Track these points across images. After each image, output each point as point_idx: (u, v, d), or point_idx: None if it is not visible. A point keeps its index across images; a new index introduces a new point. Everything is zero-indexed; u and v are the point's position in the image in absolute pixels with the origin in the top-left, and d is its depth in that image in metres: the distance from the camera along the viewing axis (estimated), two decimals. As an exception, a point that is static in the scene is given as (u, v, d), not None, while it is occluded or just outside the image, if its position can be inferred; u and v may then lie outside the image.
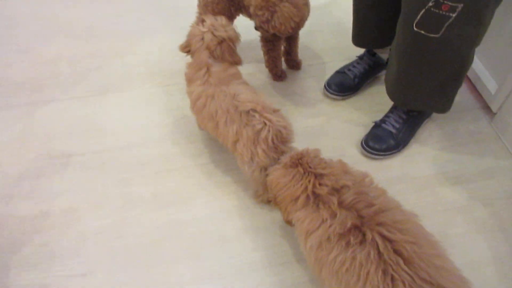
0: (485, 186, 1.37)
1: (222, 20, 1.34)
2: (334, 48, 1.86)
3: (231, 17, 1.62)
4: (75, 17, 2.06)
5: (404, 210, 0.95)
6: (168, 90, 1.72)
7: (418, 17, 1.10)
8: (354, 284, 0.85)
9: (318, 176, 1.01)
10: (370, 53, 1.65)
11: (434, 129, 1.54)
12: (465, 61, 1.23)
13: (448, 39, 1.12)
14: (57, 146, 1.53)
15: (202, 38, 1.30)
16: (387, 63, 1.65)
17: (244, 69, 1.75)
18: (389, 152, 1.45)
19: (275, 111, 1.20)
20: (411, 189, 1.38)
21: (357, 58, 1.68)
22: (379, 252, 0.84)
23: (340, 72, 1.67)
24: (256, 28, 1.47)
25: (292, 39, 1.67)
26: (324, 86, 1.67)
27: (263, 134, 1.14)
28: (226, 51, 1.31)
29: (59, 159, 1.49)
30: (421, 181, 1.40)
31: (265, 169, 1.19)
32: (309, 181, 1.00)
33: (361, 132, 1.53)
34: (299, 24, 1.41)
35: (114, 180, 1.43)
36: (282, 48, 1.72)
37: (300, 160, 1.05)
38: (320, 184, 0.99)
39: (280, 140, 1.16)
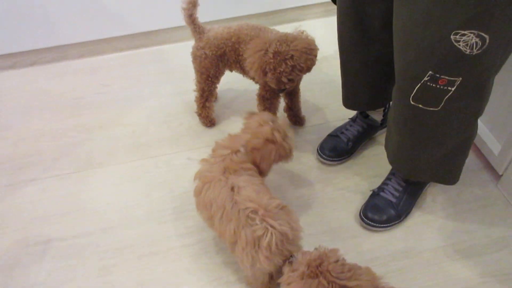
0: (499, 259, 1.26)
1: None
2: (325, 108, 1.80)
3: (218, 73, 1.60)
4: (61, 90, 2.01)
5: None
6: (155, 162, 1.64)
7: (414, 91, 1.03)
8: None
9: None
10: (362, 115, 1.58)
11: (437, 194, 1.44)
12: (469, 133, 1.15)
13: (448, 112, 1.05)
14: (35, 231, 1.43)
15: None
16: (381, 124, 1.59)
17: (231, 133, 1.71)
18: (390, 224, 1.34)
19: (282, 207, 1.06)
20: (418, 266, 1.26)
21: (349, 120, 1.61)
22: None
23: (332, 136, 1.59)
24: (280, 88, 1.45)
25: (293, 94, 1.63)
26: (317, 150, 1.58)
27: (266, 240, 0.98)
28: (268, 156, 1.21)
29: (36, 246, 1.39)
30: (428, 255, 1.28)
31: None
32: None
33: (359, 200, 1.43)
34: (315, 56, 1.41)
35: (95, 269, 1.32)
36: (284, 104, 1.69)
37: (319, 268, 0.89)
38: None
39: (286, 242, 1.02)
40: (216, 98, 1.88)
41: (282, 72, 1.36)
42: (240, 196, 1.05)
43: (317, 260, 0.90)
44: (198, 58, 1.56)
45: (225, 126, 1.76)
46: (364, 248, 1.31)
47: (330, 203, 1.45)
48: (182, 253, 1.35)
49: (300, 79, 1.59)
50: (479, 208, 1.38)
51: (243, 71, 1.59)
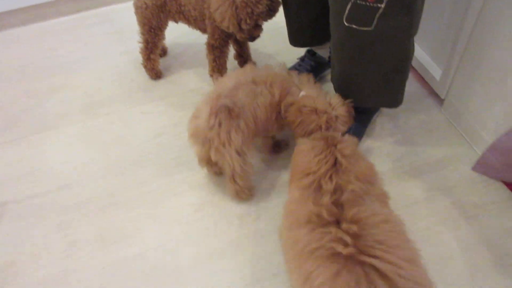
0: (443, 175, 1.32)
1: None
2: (276, 54, 1.82)
3: (161, 24, 1.58)
4: (6, 59, 1.95)
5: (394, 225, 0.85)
6: (109, 119, 1.63)
7: (346, 11, 1.05)
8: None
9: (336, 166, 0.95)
10: (310, 53, 1.60)
11: (385, 123, 1.49)
12: (405, 52, 1.18)
13: (382, 31, 1.07)
14: (-10, 196, 1.42)
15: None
16: (329, 61, 1.61)
17: (186, 86, 1.71)
18: None
19: None
20: (369, 189, 1.31)
21: (298, 60, 1.63)
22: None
23: (283, 77, 1.61)
24: (253, 35, 1.43)
25: (242, 43, 1.64)
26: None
27: None
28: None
29: (-8, 210, 1.37)
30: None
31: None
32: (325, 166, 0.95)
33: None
34: None
35: (53, 225, 1.32)
36: (234, 52, 1.69)
37: (333, 141, 1.01)
38: (330, 177, 0.92)
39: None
40: (166, 52, 1.87)
41: (260, 14, 1.33)
42: None
43: (335, 140, 1.02)
44: (140, 8, 1.54)
45: (176, 79, 1.76)
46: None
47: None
48: (141, 200, 1.36)
49: None
50: (425, 132, 1.44)
51: (188, 22, 1.58)
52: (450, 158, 1.36)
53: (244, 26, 1.36)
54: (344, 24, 1.08)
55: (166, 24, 1.62)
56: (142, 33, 1.60)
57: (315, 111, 1.15)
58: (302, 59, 1.62)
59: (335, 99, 1.21)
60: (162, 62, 1.83)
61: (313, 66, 1.59)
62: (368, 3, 1.01)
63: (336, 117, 1.17)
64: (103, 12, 2.14)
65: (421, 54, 1.54)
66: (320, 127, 1.14)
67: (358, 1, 1.01)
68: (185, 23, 1.61)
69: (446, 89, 1.42)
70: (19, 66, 1.91)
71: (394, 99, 1.32)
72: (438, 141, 1.42)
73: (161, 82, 1.75)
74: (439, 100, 1.50)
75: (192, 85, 1.72)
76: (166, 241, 1.25)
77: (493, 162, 1.23)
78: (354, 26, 1.08)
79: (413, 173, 1.34)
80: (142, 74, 1.78)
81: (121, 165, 1.46)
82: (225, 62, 1.62)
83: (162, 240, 1.25)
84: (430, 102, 1.53)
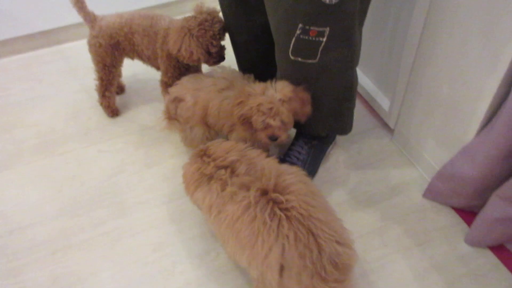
0: (396, 203, 1.37)
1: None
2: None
3: (115, 61, 1.59)
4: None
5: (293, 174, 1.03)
6: (64, 159, 1.60)
7: (291, 45, 1.11)
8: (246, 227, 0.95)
9: (204, 157, 1.10)
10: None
11: (340, 154, 1.53)
12: (349, 81, 1.26)
13: (326, 63, 1.14)
14: None
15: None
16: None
17: (144, 123, 1.70)
18: None
19: None
20: (326, 220, 1.34)
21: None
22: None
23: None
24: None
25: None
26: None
27: None
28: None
29: None
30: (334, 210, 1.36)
31: None
32: (198, 163, 1.10)
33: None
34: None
35: (3, 271, 1.26)
36: None
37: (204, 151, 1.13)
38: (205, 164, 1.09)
39: None
40: (123, 89, 1.87)
41: (220, 31, 1.39)
42: None
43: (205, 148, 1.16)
44: (93, 46, 1.54)
45: (134, 116, 1.75)
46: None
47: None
48: (97, 242, 1.33)
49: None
50: (377, 162, 1.50)
51: (142, 60, 1.61)
52: (402, 186, 1.42)
53: (212, 50, 1.41)
54: (290, 57, 1.14)
55: (121, 62, 1.63)
56: (97, 71, 1.60)
57: (248, 96, 1.20)
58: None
59: (280, 84, 1.22)
60: (119, 99, 1.82)
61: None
62: (310, 38, 1.07)
63: (281, 100, 1.18)
64: (58, 50, 2.12)
65: (370, 85, 1.61)
66: (262, 113, 1.18)
67: (301, 36, 1.07)
68: (140, 61, 1.63)
69: (395, 119, 1.49)
70: (-31, 105, 1.86)
71: (343, 126, 1.39)
72: (390, 169, 1.47)
73: (118, 119, 1.74)
74: (390, 130, 1.57)
75: (150, 122, 1.71)
76: (124, 284, 1.22)
77: (441, 189, 1.29)
78: (299, 59, 1.14)
79: (367, 203, 1.37)
80: (99, 112, 1.76)
81: (76, 206, 1.43)
82: None
83: (119, 283, 1.22)
84: (382, 132, 1.60)
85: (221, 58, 1.47)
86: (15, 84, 1.96)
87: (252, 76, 1.36)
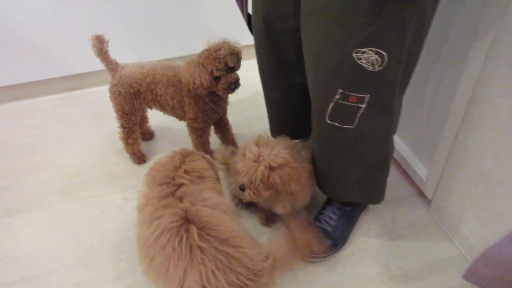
0: (433, 282, 1.26)
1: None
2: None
3: (134, 110, 1.58)
4: (-13, 134, 1.92)
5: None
6: (87, 204, 1.57)
7: (329, 110, 1.07)
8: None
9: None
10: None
11: (372, 222, 1.45)
12: (386, 150, 1.20)
13: (363, 129, 1.09)
14: None
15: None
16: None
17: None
18: (327, 254, 1.33)
19: None
20: (355, 295, 1.24)
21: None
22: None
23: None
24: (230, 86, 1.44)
25: (223, 124, 1.68)
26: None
27: None
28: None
29: None
30: (366, 284, 1.27)
31: None
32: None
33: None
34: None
35: (13, 322, 1.21)
36: (218, 137, 1.73)
37: None
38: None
39: None
40: (152, 135, 1.86)
41: (226, 56, 1.36)
42: None
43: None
44: (113, 95, 1.55)
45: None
46: (301, 280, 1.29)
47: (268, 237, 1.43)
48: (112, 298, 1.26)
49: (226, 107, 1.63)
50: (412, 233, 1.40)
51: (164, 109, 1.60)
52: (439, 263, 1.31)
53: (217, 73, 1.38)
54: (327, 121, 1.10)
55: (140, 110, 1.63)
56: (118, 118, 1.61)
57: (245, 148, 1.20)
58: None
59: (277, 148, 1.16)
60: (148, 145, 1.81)
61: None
62: (350, 103, 1.03)
63: (260, 162, 1.14)
64: (92, 93, 2.16)
65: (406, 151, 1.54)
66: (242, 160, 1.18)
67: (341, 101, 1.03)
68: (160, 110, 1.63)
69: (433, 189, 1.41)
70: (1, 142, 1.87)
71: (375, 195, 1.32)
72: (426, 243, 1.37)
73: (146, 166, 1.72)
74: (427, 200, 1.48)
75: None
76: None
77: (485, 274, 1.18)
78: (336, 124, 1.09)
79: (401, 279, 1.27)
80: (126, 158, 1.75)
81: (94, 256, 1.38)
82: (207, 139, 1.65)
83: None
84: (418, 201, 1.51)
85: (232, 84, 1.43)
86: (48, 123, 1.98)
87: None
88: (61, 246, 1.41)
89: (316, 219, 1.39)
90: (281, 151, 1.16)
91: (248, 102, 2.05)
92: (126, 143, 1.67)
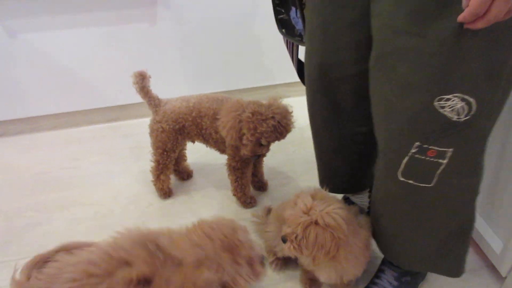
0: None
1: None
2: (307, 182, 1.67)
3: (176, 146, 1.50)
4: (26, 164, 1.88)
5: None
6: (115, 249, 1.46)
7: (402, 165, 0.92)
8: None
9: None
10: (347, 202, 1.44)
11: (433, 297, 1.25)
12: (468, 215, 1.02)
13: (443, 189, 0.93)
14: (-38, 333, 1.22)
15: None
16: (368, 211, 1.44)
17: (205, 216, 1.54)
18: None
19: None
20: None
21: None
22: None
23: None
24: (254, 154, 1.35)
25: (257, 161, 1.58)
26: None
27: None
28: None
29: None
30: None
31: None
32: None
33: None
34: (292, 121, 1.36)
35: None
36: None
37: None
38: None
39: None
40: (190, 175, 1.76)
41: (263, 132, 1.27)
42: None
43: None
44: (155, 131, 1.48)
45: (198, 208, 1.60)
46: None
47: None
48: None
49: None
50: (482, 317, 1.19)
51: (207, 142, 1.52)
52: None
53: (245, 142, 1.29)
54: (399, 178, 0.94)
55: (181, 146, 1.56)
56: (154, 154, 1.53)
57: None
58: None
59: (336, 205, 1.02)
60: (184, 186, 1.70)
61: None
62: (428, 158, 0.88)
63: (312, 221, 0.99)
64: (133, 125, 2.10)
65: (478, 220, 1.34)
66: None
67: (417, 155, 0.88)
68: (203, 143, 1.55)
69: (509, 266, 1.19)
70: (36, 173, 1.82)
71: (453, 267, 1.11)
72: (499, 331, 1.16)
73: (181, 210, 1.60)
74: (499, 277, 1.26)
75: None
76: None
77: None
78: (411, 182, 0.93)
79: None
80: (160, 199, 1.64)
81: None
82: (247, 182, 1.55)
83: None
84: (488, 276, 1.29)
85: (255, 155, 1.37)
86: (85, 155, 1.92)
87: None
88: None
89: (374, 283, 1.21)
90: (337, 210, 1.01)
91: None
92: (158, 178, 1.59)
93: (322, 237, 0.98)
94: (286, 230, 1.03)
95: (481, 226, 1.31)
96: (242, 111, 1.29)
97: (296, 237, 1.01)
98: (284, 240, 1.05)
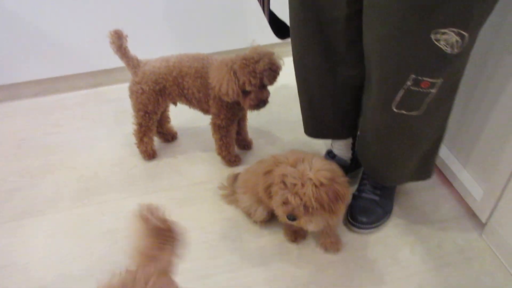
0: (487, 323, 1.08)
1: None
2: (292, 142, 1.68)
3: (157, 108, 1.49)
4: (7, 131, 1.85)
5: None
6: (100, 209, 1.46)
7: (398, 98, 0.97)
8: None
9: None
10: (330, 156, 1.48)
11: (416, 244, 1.27)
12: (443, 131, 1.14)
13: (429, 114, 1.02)
14: (-50, 293, 1.22)
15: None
16: (351, 163, 1.48)
17: (193, 178, 1.55)
18: (379, 223, 1.31)
19: None
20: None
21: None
22: None
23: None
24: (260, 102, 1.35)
25: (241, 119, 1.57)
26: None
27: None
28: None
29: None
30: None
31: None
32: None
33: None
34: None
35: None
36: None
37: None
38: None
39: None
40: (174, 137, 1.75)
41: (263, 71, 1.27)
42: None
43: None
44: (135, 93, 1.45)
45: (183, 169, 1.60)
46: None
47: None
48: (120, 318, 1.14)
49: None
50: (462, 261, 1.22)
51: (190, 103, 1.50)
52: (496, 301, 1.13)
53: (249, 88, 1.28)
54: (393, 110, 1.01)
55: (163, 108, 1.54)
56: (136, 117, 1.52)
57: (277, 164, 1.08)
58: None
59: (319, 163, 1.03)
60: (169, 148, 1.70)
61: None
62: (421, 89, 0.94)
63: (311, 181, 0.99)
64: (116, 89, 2.06)
65: (458, 167, 1.35)
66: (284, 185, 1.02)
67: (412, 88, 0.94)
68: (186, 104, 1.53)
69: (488, 212, 1.21)
70: (20, 140, 1.80)
71: (426, 173, 1.25)
72: (478, 274, 1.18)
73: (166, 171, 1.60)
74: (480, 223, 1.28)
75: (201, 177, 1.55)
76: None
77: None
78: (403, 112, 1.00)
79: (449, 316, 1.10)
80: (146, 161, 1.64)
81: (105, 268, 1.26)
82: (232, 140, 1.54)
83: None
84: (468, 224, 1.32)
85: (261, 102, 1.34)
86: (69, 121, 1.90)
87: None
88: (70, 255, 1.31)
89: (361, 190, 1.36)
90: (322, 162, 1.04)
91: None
92: (141, 141, 1.59)
93: (332, 192, 1.00)
94: (293, 201, 1.01)
95: (462, 175, 1.33)
96: (233, 63, 1.29)
97: (308, 209, 1.01)
98: (293, 218, 1.05)
